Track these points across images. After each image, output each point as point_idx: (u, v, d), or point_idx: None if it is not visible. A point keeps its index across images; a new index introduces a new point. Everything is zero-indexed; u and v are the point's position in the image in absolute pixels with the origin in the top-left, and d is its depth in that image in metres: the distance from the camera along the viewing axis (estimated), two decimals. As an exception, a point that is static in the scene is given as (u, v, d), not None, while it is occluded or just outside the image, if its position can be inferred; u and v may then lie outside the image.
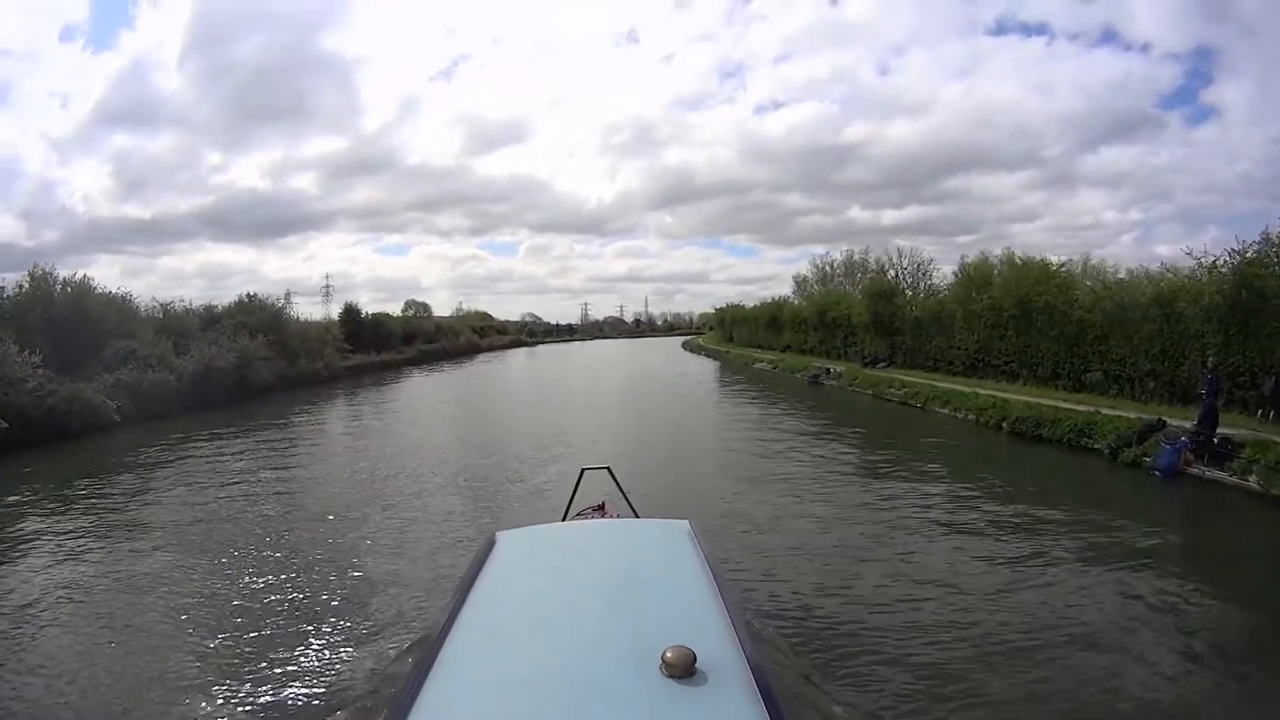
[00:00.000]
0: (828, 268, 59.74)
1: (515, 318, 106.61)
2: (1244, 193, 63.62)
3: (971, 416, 20.14)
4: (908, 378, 26.41)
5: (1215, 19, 78.72)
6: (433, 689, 2.08)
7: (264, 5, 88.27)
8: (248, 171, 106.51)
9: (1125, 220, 76.00)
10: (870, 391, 26.39)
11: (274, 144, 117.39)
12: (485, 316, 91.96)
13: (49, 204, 72.77)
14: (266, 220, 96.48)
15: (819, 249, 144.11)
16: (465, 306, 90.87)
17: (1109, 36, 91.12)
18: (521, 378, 46.09)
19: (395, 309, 72.37)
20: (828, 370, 31.76)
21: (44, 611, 7.60)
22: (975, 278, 27.07)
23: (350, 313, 52.20)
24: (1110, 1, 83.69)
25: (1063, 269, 23.90)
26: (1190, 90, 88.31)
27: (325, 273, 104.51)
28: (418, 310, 79.53)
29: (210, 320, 34.59)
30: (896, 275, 35.08)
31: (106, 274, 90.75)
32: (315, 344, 37.92)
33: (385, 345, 51.32)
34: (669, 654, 2.01)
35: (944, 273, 36.94)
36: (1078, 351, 21.87)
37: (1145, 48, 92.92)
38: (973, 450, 16.90)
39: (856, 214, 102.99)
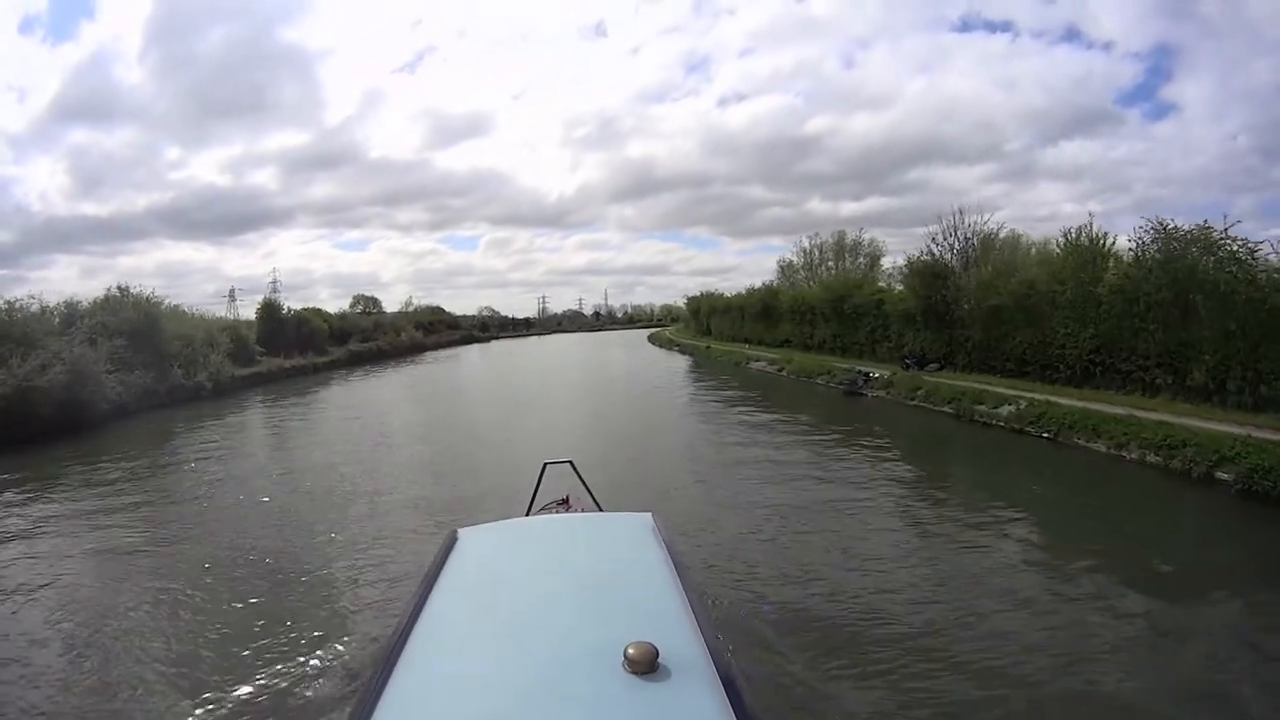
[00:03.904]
0: (816, 251, 53.98)
1: (473, 312, 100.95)
2: (1201, 185, 65.89)
3: (1153, 458, 13.21)
4: (996, 388, 19.39)
5: (1176, 18, 79.45)
6: (394, 689, 2.08)
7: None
8: (207, 167, 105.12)
9: (1084, 212, 74.44)
10: (949, 408, 19.21)
11: (234, 138, 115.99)
12: (437, 311, 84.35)
13: (4, 203, 68.95)
14: (226, 217, 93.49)
15: (778, 241, 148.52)
16: (420, 301, 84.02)
17: (1071, 35, 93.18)
18: (455, 388, 36.41)
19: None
20: (867, 375, 24.53)
21: None
22: (1089, 249, 19.95)
23: (269, 309, 44.07)
24: (1074, 1, 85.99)
25: (1230, 233, 16.75)
26: (1150, 87, 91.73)
27: (274, 268, 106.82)
28: (366, 305, 74.13)
29: (71, 323, 26.34)
30: (952, 248, 27.64)
31: (65, 275, 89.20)
32: (202, 349, 29.43)
33: (310, 346, 43.20)
34: (631, 650, 2.03)
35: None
36: (1265, 352, 15.17)
37: (1107, 46, 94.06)
38: (1223, 543, 9.91)
39: (816, 205, 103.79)
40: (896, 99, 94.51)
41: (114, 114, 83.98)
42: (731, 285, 70.32)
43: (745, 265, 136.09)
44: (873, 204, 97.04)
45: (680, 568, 2.82)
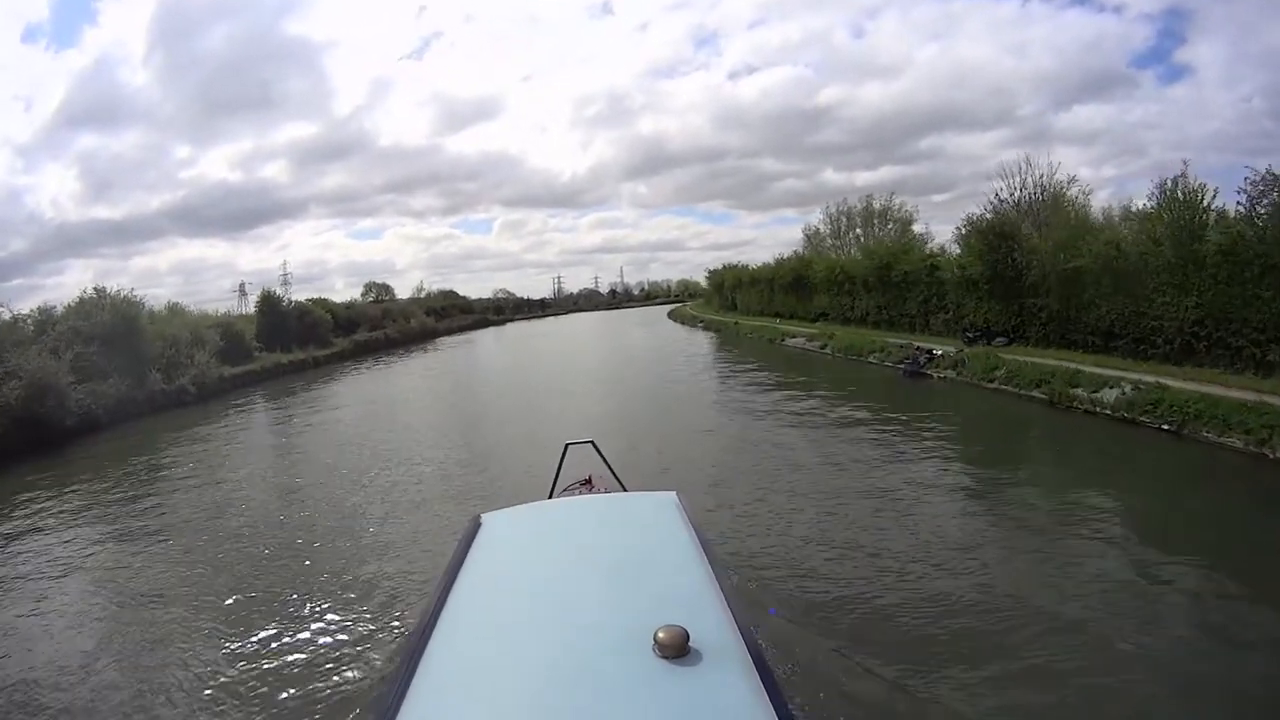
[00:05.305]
0: (843, 218, 51.19)
1: (488, 295, 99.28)
2: (1215, 149, 62.51)
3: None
4: (1086, 366, 16.54)
5: (1189, -21, 74.74)
6: (423, 676, 2.02)
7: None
8: (217, 164, 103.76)
9: (1099, 176, 77.05)
10: (1039, 393, 16.25)
11: (243, 134, 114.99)
12: (450, 295, 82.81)
13: (16, 212, 67.32)
14: (238, 212, 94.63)
15: (792, 213, 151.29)
16: (436, 286, 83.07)
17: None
18: (461, 381, 31.92)
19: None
20: (930, 353, 21.52)
21: None
22: (1185, 204, 16.87)
23: (268, 302, 41.71)
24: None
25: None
26: (1163, 50, 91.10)
27: (285, 261, 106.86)
28: (379, 293, 72.38)
29: (45, 330, 24.18)
30: (1017, 205, 24.68)
31: (80, 279, 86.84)
32: (188, 349, 27.11)
33: (312, 338, 40.95)
34: (661, 634, 1.96)
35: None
36: None
37: (1119, 8, 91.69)
38: None
39: (830, 176, 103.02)
40: (907, 67, 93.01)
41: (121, 117, 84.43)
42: (748, 258, 68.43)
43: (760, 239, 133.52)
44: (886, 173, 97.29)
45: (707, 548, 2.75)
